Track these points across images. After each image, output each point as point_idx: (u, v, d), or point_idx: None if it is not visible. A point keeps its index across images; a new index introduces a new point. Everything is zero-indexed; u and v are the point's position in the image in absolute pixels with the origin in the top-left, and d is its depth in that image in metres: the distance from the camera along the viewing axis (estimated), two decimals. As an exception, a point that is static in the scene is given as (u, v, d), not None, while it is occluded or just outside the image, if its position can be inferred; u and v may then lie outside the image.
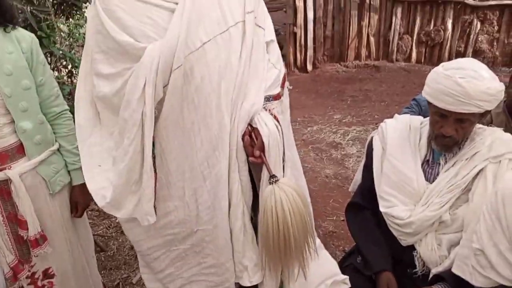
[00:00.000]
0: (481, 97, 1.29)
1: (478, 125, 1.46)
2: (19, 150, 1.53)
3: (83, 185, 1.43)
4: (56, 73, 3.21)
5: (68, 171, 1.68)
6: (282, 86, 1.39)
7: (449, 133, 1.35)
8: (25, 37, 1.56)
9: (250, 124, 1.27)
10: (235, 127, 1.26)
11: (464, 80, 1.30)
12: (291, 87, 1.52)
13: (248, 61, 1.28)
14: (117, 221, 2.72)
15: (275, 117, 1.30)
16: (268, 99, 1.31)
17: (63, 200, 1.68)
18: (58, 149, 1.65)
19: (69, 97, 3.09)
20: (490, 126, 1.54)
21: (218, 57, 1.23)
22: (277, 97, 1.34)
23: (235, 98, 1.26)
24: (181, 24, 1.18)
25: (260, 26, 1.34)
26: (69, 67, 3.20)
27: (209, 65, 1.22)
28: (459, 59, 1.40)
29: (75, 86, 3.17)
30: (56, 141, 1.66)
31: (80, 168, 1.41)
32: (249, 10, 1.28)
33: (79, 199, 1.70)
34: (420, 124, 1.53)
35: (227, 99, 1.25)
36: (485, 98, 1.30)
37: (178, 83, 1.20)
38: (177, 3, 1.19)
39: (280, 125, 1.30)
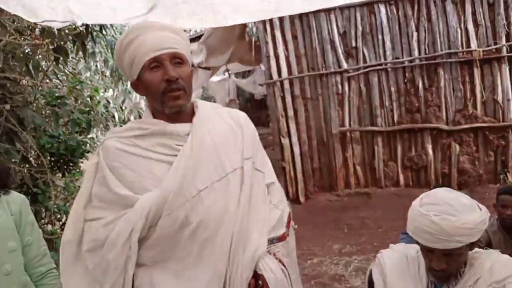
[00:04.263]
0: (459, 233, 1.27)
1: (475, 249, 1.45)
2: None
3: None
4: (50, 227, 3.20)
5: None
6: (288, 226, 1.40)
7: (439, 267, 1.32)
8: (15, 199, 1.59)
9: (255, 270, 1.24)
10: (239, 275, 1.22)
11: (439, 218, 1.29)
12: (296, 226, 1.51)
13: (247, 205, 1.29)
14: None
15: (280, 260, 1.29)
16: (272, 241, 1.31)
17: None
18: None
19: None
20: (486, 248, 1.53)
21: (215, 203, 1.25)
22: (282, 238, 1.35)
23: (235, 245, 1.24)
24: (176, 176, 1.24)
25: (259, 170, 1.39)
26: (63, 219, 3.21)
27: (206, 211, 1.24)
28: (437, 190, 1.42)
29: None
30: None
31: None
32: (247, 157, 1.35)
33: None
34: (417, 252, 1.52)
35: (224, 245, 1.23)
36: (463, 233, 1.28)
37: (167, 229, 1.22)
38: (176, 156, 1.27)
39: (287, 269, 1.28)
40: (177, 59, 1.29)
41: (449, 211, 1.29)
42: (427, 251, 1.35)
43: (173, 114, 1.32)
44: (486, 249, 1.51)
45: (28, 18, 1.66)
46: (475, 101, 5.72)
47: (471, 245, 1.35)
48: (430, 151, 5.93)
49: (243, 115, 1.48)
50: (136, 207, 1.21)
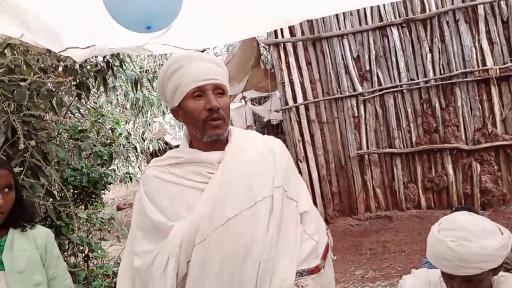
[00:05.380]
0: (478, 259, 1.23)
1: (501, 273, 1.42)
2: None
3: None
4: (73, 259, 3.24)
5: None
6: (324, 257, 1.37)
7: None
8: (41, 234, 1.64)
9: None
10: None
11: (456, 244, 1.25)
12: (335, 258, 1.46)
13: (276, 234, 1.29)
14: None
15: None
16: (301, 273, 1.28)
17: None
18: None
19: (84, 282, 3.07)
20: (512, 272, 1.49)
21: (244, 231, 1.26)
22: (314, 270, 1.32)
23: (262, 274, 1.24)
24: (207, 203, 1.27)
25: (292, 199, 1.38)
26: (86, 251, 3.25)
27: (234, 239, 1.25)
28: (456, 215, 1.39)
29: (91, 270, 3.17)
30: None
31: None
32: (277, 185, 1.34)
33: None
34: (439, 277, 1.49)
35: (252, 274, 1.24)
36: (482, 259, 1.23)
37: (200, 258, 1.24)
38: (207, 183, 1.31)
39: None
40: (219, 90, 1.35)
41: (467, 237, 1.25)
42: (448, 278, 1.32)
43: (209, 143, 1.36)
44: (512, 272, 1.47)
45: (52, 47, 1.70)
46: (494, 119, 5.64)
47: (494, 270, 1.32)
48: (451, 172, 5.84)
49: (277, 142, 1.48)
50: (169, 236, 1.26)
